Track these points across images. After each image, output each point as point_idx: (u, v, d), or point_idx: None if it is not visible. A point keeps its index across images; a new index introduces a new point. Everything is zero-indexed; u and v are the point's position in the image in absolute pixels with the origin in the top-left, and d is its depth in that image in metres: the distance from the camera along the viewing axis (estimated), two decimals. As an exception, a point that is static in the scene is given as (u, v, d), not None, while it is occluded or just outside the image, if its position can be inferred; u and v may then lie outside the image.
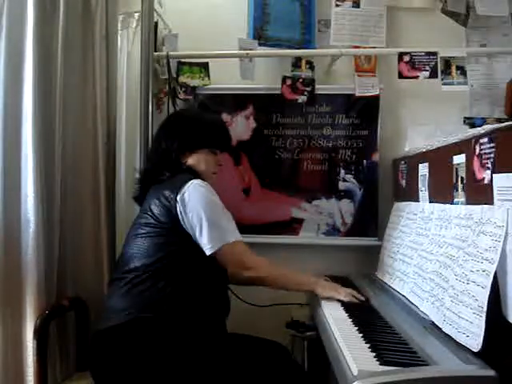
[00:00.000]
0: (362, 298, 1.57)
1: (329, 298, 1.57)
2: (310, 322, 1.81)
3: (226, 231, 1.48)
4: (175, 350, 1.37)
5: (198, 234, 1.46)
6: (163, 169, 1.60)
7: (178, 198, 1.46)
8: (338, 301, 1.55)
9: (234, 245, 1.48)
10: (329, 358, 1.23)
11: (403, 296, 1.53)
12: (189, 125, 1.67)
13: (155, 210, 1.49)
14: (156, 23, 2.12)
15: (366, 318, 1.37)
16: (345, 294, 1.57)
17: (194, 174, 1.57)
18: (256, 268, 1.53)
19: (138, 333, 1.38)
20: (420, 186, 1.67)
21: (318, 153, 2.22)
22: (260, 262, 1.56)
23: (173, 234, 1.47)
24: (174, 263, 1.45)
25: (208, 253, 1.45)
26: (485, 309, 1.01)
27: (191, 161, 1.62)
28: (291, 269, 1.73)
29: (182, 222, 1.46)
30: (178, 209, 1.46)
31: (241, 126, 2.22)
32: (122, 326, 1.39)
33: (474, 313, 1.04)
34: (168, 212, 1.47)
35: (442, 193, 1.46)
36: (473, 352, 1.01)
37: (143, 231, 1.50)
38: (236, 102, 2.22)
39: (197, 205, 1.46)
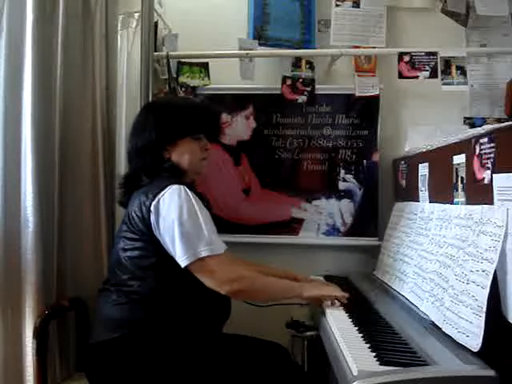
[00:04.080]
0: (346, 296, 1.50)
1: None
2: (310, 322, 1.81)
3: (196, 246, 1.35)
4: (173, 355, 1.36)
5: (170, 247, 1.37)
6: (142, 171, 1.49)
7: (153, 205, 1.37)
8: (338, 301, 1.53)
9: (205, 261, 1.36)
10: (329, 358, 1.23)
11: (403, 296, 1.53)
12: (162, 114, 1.53)
13: (133, 218, 1.42)
14: (156, 23, 2.12)
15: (366, 318, 1.37)
16: (332, 289, 1.51)
17: (177, 172, 1.49)
18: (235, 281, 1.39)
19: (134, 346, 1.36)
20: (420, 185, 1.67)
21: (318, 153, 2.21)
22: (240, 274, 1.43)
23: (151, 244, 1.40)
24: (158, 277, 1.40)
25: (182, 266, 1.36)
26: (484, 309, 1.01)
27: (174, 155, 1.50)
28: (288, 271, 1.73)
29: (155, 232, 1.38)
30: (151, 218, 1.38)
31: (241, 126, 2.22)
32: (116, 339, 1.37)
33: (473, 313, 1.04)
34: (143, 221, 1.39)
35: (441, 193, 1.46)
36: (473, 352, 1.01)
37: (124, 243, 1.44)
38: (236, 101, 2.22)
39: (170, 215, 1.36)
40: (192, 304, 1.42)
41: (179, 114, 1.53)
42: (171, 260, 1.38)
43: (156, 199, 1.38)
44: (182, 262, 1.36)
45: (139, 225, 1.40)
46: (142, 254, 1.41)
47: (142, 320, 1.38)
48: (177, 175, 1.48)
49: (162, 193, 1.39)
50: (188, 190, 1.41)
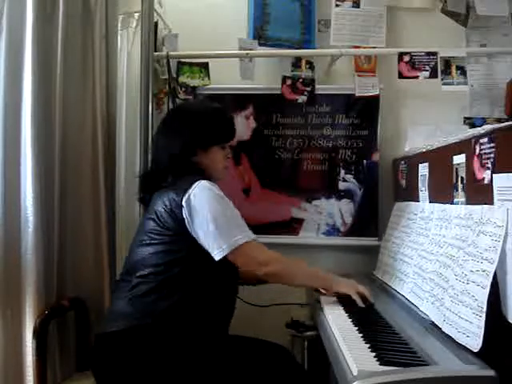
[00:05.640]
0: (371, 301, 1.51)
1: (328, 298, 1.56)
2: (309, 322, 1.81)
3: (234, 234, 1.40)
4: (178, 355, 1.37)
5: (204, 240, 1.40)
6: (170, 172, 1.51)
7: (184, 201, 1.40)
8: (339, 301, 1.53)
9: (244, 247, 1.40)
10: (329, 358, 1.23)
11: (403, 296, 1.53)
12: (199, 121, 1.56)
13: (161, 214, 1.43)
14: (156, 23, 2.12)
15: (365, 318, 1.37)
16: (363, 289, 1.51)
17: (203, 174, 1.51)
18: (272, 263, 1.46)
19: (142, 339, 1.37)
20: (420, 185, 1.67)
21: (318, 153, 2.22)
22: (275, 256, 1.49)
23: (179, 239, 1.42)
24: (182, 271, 1.41)
25: (216, 258, 1.39)
26: (484, 309, 1.01)
27: (203, 161, 1.54)
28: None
29: (188, 227, 1.40)
30: (183, 213, 1.39)
31: (241, 126, 2.21)
32: (126, 331, 1.38)
33: (473, 313, 1.04)
34: (174, 216, 1.41)
35: (441, 193, 1.46)
36: (473, 352, 1.01)
37: (149, 238, 1.44)
38: (236, 101, 2.22)
39: (203, 208, 1.39)
40: (207, 301, 1.44)
41: (215, 122, 1.58)
42: (198, 255, 1.41)
43: (187, 194, 1.40)
44: (221, 252, 1.38)
45: (168, 221, 1.42)
46: (170, 249, 1.42)
47: (158, 313, 1.39)
48: (202, 175, 1.50)
49: (192, 187, 1.41)
50: (215, 185, 1.46)
